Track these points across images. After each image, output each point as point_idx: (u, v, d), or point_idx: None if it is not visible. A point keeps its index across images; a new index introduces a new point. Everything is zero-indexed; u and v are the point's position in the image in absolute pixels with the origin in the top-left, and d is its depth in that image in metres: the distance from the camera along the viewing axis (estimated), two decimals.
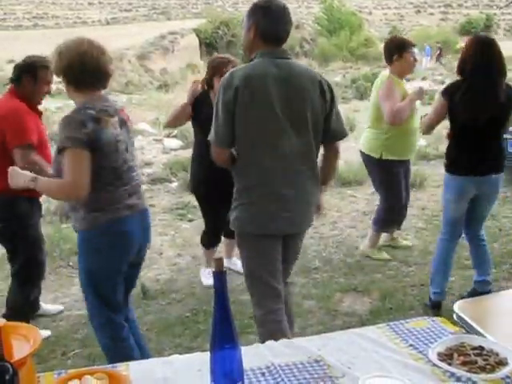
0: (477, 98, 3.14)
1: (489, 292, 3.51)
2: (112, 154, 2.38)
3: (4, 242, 3.38)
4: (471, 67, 3.17)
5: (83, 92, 2.40)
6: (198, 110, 3.69)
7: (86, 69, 2.35)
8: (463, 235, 3.61)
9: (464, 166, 3.30)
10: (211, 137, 2.44)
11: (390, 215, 4.34)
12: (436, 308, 3.49)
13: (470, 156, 3.27)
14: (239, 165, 2.48)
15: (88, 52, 2.36)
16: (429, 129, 3.47)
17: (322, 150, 2.63)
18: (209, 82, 3.74)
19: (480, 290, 3.55)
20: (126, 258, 2.54)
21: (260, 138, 2.42)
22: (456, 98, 3.19)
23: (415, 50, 4.16)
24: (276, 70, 2.41)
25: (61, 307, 3.80)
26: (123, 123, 2.49)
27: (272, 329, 2.52)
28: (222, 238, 4.17)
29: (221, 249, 4.27)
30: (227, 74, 2.45)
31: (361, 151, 4.27)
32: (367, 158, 4.22)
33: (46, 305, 3.75)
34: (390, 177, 4.19)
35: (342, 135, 2.58)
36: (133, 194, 2.50)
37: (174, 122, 4.00)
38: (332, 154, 2.63)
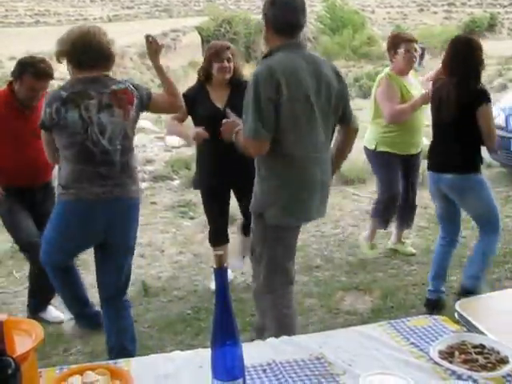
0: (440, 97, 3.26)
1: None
2: (77, 135, 2.50)
3: None
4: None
5: (81, 72, 2.52)
6: (194, 106, 3.54)
7: (87, 49, 2.48)
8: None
9: (430, 162, 3.42)
10: (250, 131, 2.41)
11: (382, 206, 4.29)
12: (432, 307, 3.43)
13: (432, 152, 3.42)
14: (274, 157, 2.49)
15: (90, 32, 2.51)
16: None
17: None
18: (207, 70, 3.56)
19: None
20: (81, 239, 2.68)
21: (298, 130, 2.47)
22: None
23: (417, 45, 4.06)
24: (305, 62, 2.49)
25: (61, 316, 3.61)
26: (107, 107, 2.53)
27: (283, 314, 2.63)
28: (238, 235, 4.01)
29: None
30: (265, 68, 2.43)
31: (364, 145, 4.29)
32: (365, 150, 4.25)
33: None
34: (384, 169, 4.19)
35: (354, 116, 2.73)
36: (104, 178, 2.55)
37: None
38: (352, 136, 2.75)
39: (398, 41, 3.99)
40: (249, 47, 30.88)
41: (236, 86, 3.55)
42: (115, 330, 2.80)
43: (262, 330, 2.69)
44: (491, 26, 37.31)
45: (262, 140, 2.43)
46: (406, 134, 4.04)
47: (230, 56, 3.53)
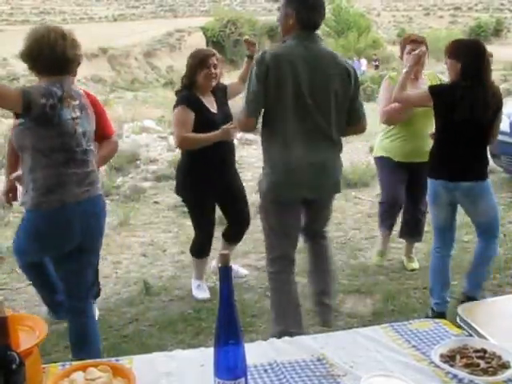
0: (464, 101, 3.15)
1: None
2: (67, 136, 2.45)
3: None
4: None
5: (45, 77, 2.45)
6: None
7: (42, 55, 2.41)
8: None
9: (442, 170, 3.26)
10: (241, 107, 2.69)
11: (383, 212, 4.27)
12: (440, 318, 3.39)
13: (443, 159, 3.26)
14: (267, 136, 2.79)
15: (45, 37, 2.41)
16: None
17: None
18: (191, 78, 3.53)
19: None
20: (60, 248, 2.60)
21: (286, 113, 2.68)
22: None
23: (424, 47, 3.94)
24: (305, 51, 2.69)
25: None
26: (84, 109, 2.54)
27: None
28: (221, 243, 3.98)
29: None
30: (260, 53, 2.71)
31: None
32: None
33: None
34: (383, 175, 4.17)
35: (364, 116, 2.91)
36: (84, 179, 2.54)
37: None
38: (358, 133, 3.01)
39: (404, 43, 3.91)
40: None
41: (219, 91, 3.64)
42: None
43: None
44: (497, 31, 37.29)
45: (249, 117, 2.69)
46: (410, 140, 3.90)
47: (216, 62, 3.55)
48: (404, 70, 3.46)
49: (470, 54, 3.15)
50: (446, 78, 3.80)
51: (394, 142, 3.98)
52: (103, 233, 2.76)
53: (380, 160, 4.12)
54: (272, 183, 2.78)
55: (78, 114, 2.49)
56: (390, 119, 3.84)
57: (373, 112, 4.22)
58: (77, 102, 2.49)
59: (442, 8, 48.71)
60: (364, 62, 31.08)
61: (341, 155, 2.92)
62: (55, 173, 2.45)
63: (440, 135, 3.28)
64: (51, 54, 2.40)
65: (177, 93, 3.74)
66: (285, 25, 2.76)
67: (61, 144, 2.44)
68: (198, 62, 3.50)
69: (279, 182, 2.77)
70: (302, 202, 2.89)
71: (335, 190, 2.97)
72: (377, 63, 32.71)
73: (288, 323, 2.84)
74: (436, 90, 3.26)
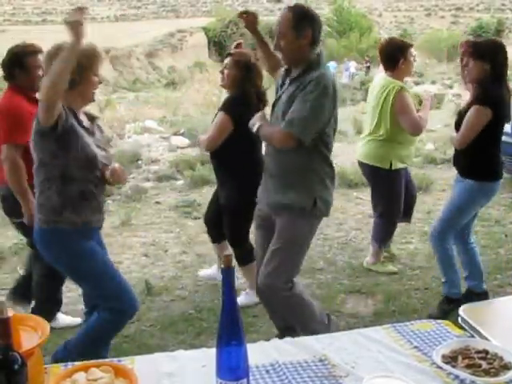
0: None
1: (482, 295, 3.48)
2: (87, 147, 2.41)
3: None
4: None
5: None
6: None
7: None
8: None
9: (497, 171, 3.36)
10: (298, 128, 2.53)
11: (391, 228, 4.28)
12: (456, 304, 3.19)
13: (499, 160, 3.35)
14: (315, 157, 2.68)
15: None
16: (465, 143, 3.27)
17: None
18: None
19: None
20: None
21: (332, 136, 2.72)
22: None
23: (413, 50, 3.98)
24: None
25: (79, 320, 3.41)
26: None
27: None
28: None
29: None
30: (331, 83, 2.58)
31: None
32: (373, 168, 4.10)
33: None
34: (399, 187, 4.10)
35: None
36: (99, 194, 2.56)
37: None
38: None
39: (407, 46, 3.93)
40: (255, 49, 30.95)
41: None
42: None
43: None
44: (498, 32, 37.26)
45: (300, 141, 2.55)
46: (410, 145, 4.02)
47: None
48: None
49: (499, 55, 3.15)
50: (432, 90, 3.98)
51: (404, 150, 3.97)
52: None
53: (398, 172, 3.98)
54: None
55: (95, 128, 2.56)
56: (422, 130, 3.89)
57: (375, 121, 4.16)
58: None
59: (443, 8, 48.67)
60: (353, 64, 29.38)
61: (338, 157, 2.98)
62: (77, 189, 2.46)
63: (487, 135, 3.21)
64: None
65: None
66: (297, 45, 2.57)
67: (84, 157, 2.43)
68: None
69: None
70: None
71: None
72: (368, 65, 28.46)
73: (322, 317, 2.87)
74: (489, 100, 3.12)
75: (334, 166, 2.81)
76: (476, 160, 3.25)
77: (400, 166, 3.96)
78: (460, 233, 3.51)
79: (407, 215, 4.36)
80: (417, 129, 3.82)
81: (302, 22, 2.57)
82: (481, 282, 3.56)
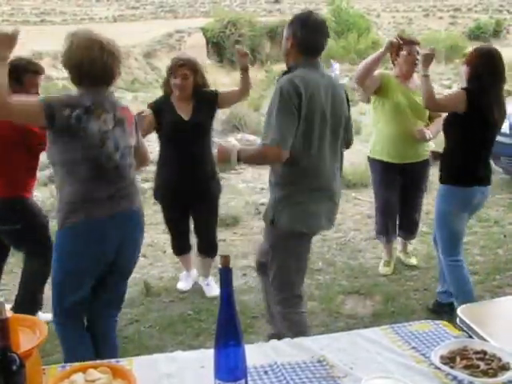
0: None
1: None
2: (93, 149, 2.33)
3: (23, 243, 3.36)
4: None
5: (80, 88, 2.38)
6: (160, 117, 3.54)
7: (84, 68, 2.32)
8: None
9: (479, 176, 3.27)
10: (273, 139, 2.45)
11: (376, 216, 4.28)
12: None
13: (478, 166, 3.26)
14: (288, 166, 2.56)
15: (85, 50, 2.31)
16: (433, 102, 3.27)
17: None
18: (169, 84, 3.58)
19: (443, 300, 3.53)
20: (96, 265, 2.47)
21: (310, 142, 2.55)
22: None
23: (419, 48, 3.87)
24: (323, 81, 2.60)
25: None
26: (120, 122, 2.43)
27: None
28: (196, 255, 3.99)
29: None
30: (289, 82, 2.49)
31: None
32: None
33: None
34: (377, 176, 4.15)
35: (352, 140, 2.91)
36: (117, 194, 2.42)
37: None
38: (346, 148, 2.89)
39: (398, 46, 3.85)
40: (254, 50, 30.91)
41: (200, 98, 3.58)
42: None
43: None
44: (496, 32, 37.28)
45: (285, 149, 2.48)
46: (400, 141, 3.91)
47: (187, 72, 3.49)
48: (422, 74, 3.31)
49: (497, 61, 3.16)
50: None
51: (384, 143, 3.97)
52: (136, 250, 2.64)
53: (374, 162, 4.09)
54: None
55: (110, 127, 2.37)
56: (362, 77, 3.81)
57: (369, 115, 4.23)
58: (110, 115, 2.37)
59: (441, 9, 48.68)
60: (337, 65, 27.77)
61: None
62: (80, 189, 2.35)
63: (465, 139, 3.21)
64: (88, 67, 2.32)
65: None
66: (285, 48, 2.65)
67: (86, 157, 2.32)
68: (170, 70, 3.58)
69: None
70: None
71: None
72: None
73: None
74: (472, 89, 3.14)
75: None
76: (447, 165, 3.30)
77: (377, 157, 4.04)
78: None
79: (410, 230, 4.32)
80: (355, 77, 3.94)
81: (290, 24, 2.63)
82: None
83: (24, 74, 3.06)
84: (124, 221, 2.48)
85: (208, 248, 3.89)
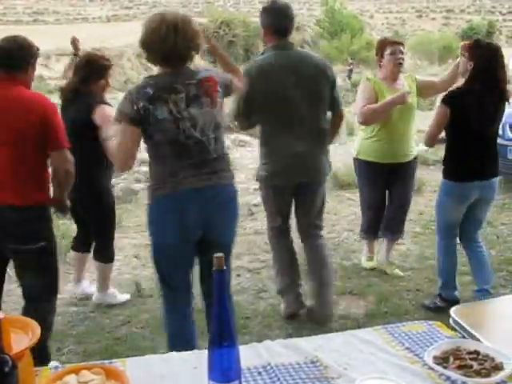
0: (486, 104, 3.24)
1: None
2: (169, 131, 2.42)
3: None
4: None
5: (159, 67, 2.53)
6: None
7: (152, 48, 2.45)
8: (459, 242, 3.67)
9: (468, 171, 3.35)
10: (235, 110, 3.18)
11: (363, 215, 4.29)
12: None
13: (473, 161, 3.33)
14: (261, 133, 3.30)
15: (156, 30, 2.40)
16: (432, 140, 3.43)
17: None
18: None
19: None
20: (180, 236, 2.50)
21: (277, 114, 3.14)
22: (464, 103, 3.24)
23: (403, 48, 3.90)
24: (286, 59, 3.11)
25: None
26: (195, 99, 2.45)
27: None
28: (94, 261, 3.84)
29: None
30: (248, 65, 3.26)
31: None
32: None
33: None
34: (364, 177, 4.14)
35: (341, 103, 3.40)
36: (200, 168, 2.47)
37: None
38: (339, 119, 3.40)
39: (383, 44, 3.89)
40: (247, 50, 30.92)
41: None
42: None
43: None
44: (489, 34, 37.52)
45: (239, 120, 3.26)
46: (392, 142, 3.89)
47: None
48: (388, 102, 3.73)
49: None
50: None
51: (376, 144, 3.94)
52: (231, 225, 2.63)
53: (361, 163, 4.05)
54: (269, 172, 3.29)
55: (183, 106, 2.42)
56: (366, 120, 3.85)
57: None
58: (181, 95, 2.42)
59: (434, 10, 48.92)
60: None
61: (326, 142, 3.36)
62: (165, 165, 2.47)
63: (458, 137, 3.35)
64: (160, 48, 2.42)
65: None
66: (262, 39, 3.27)
67: (165, 139, 2.43)
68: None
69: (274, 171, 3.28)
70: (293, 187, 3.32)
71: (324, 173, 3.37)
72: (351, 68, 25.52)
73: (288, 272, 3.46)
74: (448, 98, 3.32)
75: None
76: (446, 159, 3.47)
77: (365, 157, 4.03)
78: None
79: (396, 230, 4.28)
80: (359, 116, 3.90)
81: (259, 16, 3.23)
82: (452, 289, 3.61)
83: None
84: (210, 196, 2.51)
85: None
